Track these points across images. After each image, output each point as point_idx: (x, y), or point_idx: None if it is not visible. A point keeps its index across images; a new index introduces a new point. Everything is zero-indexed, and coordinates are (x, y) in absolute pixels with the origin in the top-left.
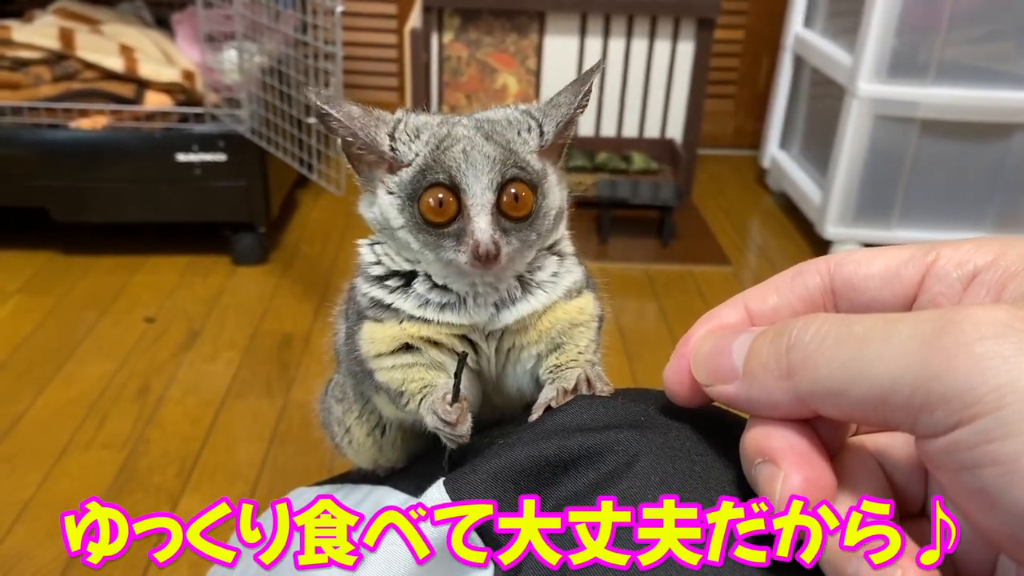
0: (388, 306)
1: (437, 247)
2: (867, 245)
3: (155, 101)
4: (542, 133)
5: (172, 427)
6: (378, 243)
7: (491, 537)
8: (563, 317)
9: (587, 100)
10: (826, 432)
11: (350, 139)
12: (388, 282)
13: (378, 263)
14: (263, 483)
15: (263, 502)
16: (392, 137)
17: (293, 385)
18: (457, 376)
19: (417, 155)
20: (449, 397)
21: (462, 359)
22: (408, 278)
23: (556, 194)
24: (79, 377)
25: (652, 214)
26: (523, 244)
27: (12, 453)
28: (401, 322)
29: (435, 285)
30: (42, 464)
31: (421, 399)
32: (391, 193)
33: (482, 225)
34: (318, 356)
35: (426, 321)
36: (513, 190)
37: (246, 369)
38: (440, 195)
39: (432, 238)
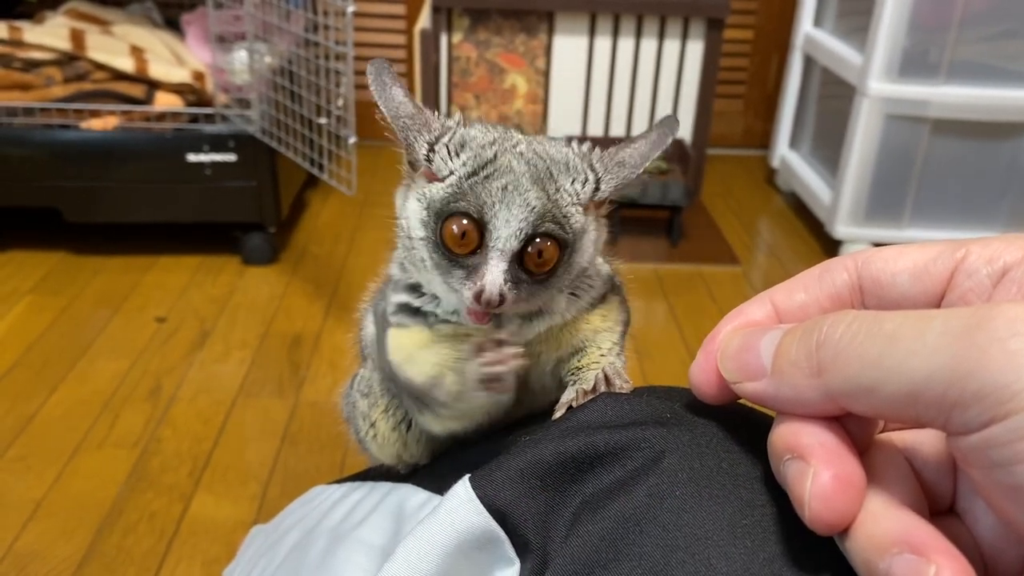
0: (416, 310)
1: (447, 273)
2: (878, 245)
3: (165, 102)
4: (597, 189)
5: (184, 426)
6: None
7: (516, 534)
8: (585, 328)
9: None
10: (854, 429)
11: (392, 131)
12: (412, 283)
13: (405, 276)
14: (275, 483)
15: (275, 502)
16: (432, 147)
17: (304, 385)
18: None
19: (452, 173)
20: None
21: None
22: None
23: (589, 251)
24: (91, 376)
25: (661, 214)
26: (531, 297)
27: (25, 452)
28: (431, 325)
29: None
30: (55, 463)
31: (460, 363)
32: (419, 202)
33: (495, 273)
34: (328, 356)
35: (458, 325)
36: (540, 246)
37: (257, 369)
38: (465, 226)
39: (445, 262)
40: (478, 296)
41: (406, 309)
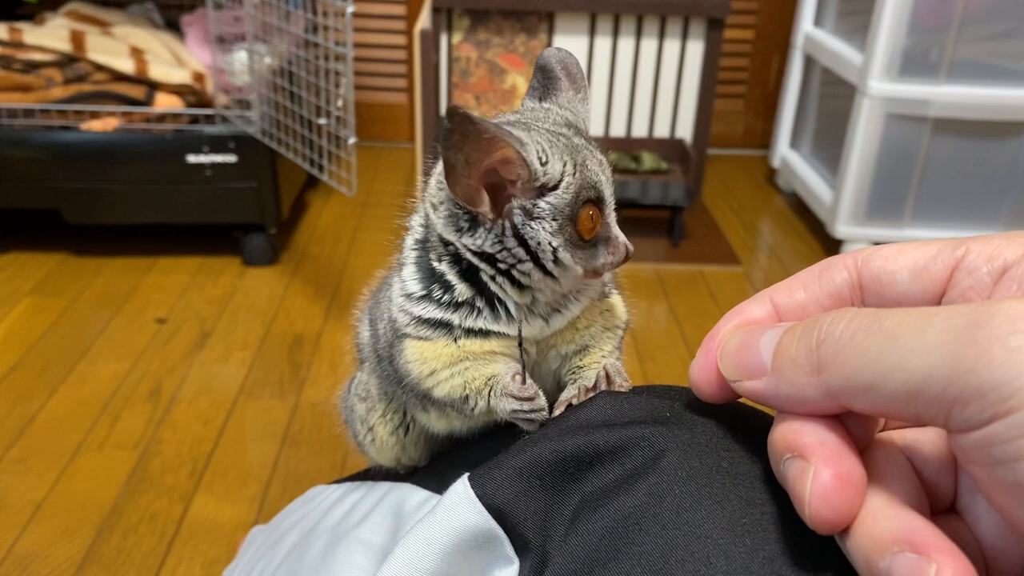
0: (440, 323)
1: (591, 259)
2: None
3: (165, 103)
4: None
5: (184, 427)
6: (428, 266)
7: (515, 533)
8: (597, 318)
9: None
10: (855, 427)
11: (493, 161)
12: (435, 295)
13: (427, 288)
14: (275, 484)
15: (276, 503)
16: (540, 159)
17: (304, 385)
18: (521, 355)
19: (564, 174)
20: (519, 377)
21: (520, 340)
22: (451, 294)
23: None
24: (92, 377)
25: (662, 214)
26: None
27: (26, 453)
28: (456, 339)
29: (488, 301)
30: (55, 464)
31: (489, 391)
32: (539, 219)
33: (620, 232)
34: (329, 357)
35: (484, 335)
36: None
37: (258, 370)
38: (591, 211)
39: (581, 252)
40: (626, 256)
41: (427, 322)
